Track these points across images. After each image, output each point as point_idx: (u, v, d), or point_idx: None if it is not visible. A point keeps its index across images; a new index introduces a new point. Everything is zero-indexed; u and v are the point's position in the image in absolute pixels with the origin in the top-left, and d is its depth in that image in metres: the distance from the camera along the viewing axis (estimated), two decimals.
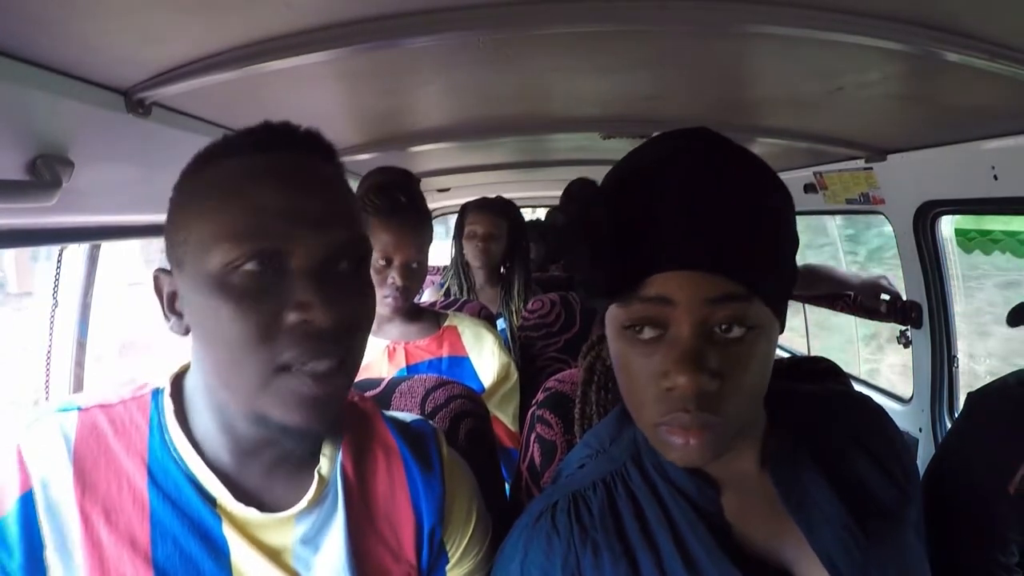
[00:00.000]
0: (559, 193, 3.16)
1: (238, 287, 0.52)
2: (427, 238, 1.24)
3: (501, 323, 1.93)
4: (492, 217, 2.03)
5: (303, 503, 0.60)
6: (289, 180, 0.55)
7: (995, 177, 1.30)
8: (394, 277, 1.19)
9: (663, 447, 0.55)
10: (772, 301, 0.53)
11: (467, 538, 0.70)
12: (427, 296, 2.21)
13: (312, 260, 0.54)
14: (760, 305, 0.52)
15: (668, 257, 0.51)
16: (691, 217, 0.51)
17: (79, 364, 1.30)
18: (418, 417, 0.74)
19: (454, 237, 2.12)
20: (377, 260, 1.19)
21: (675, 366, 0.51)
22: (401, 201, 1.19)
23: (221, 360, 0.54)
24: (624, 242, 0.52)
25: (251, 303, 0.52)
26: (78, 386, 1.30)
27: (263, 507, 0.59)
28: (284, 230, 0.53)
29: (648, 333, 0.53)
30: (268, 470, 0.61)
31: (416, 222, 1.21)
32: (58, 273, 1.26)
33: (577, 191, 2.22)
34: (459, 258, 2.09)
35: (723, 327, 0.51)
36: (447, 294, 2.10)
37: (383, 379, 0.93)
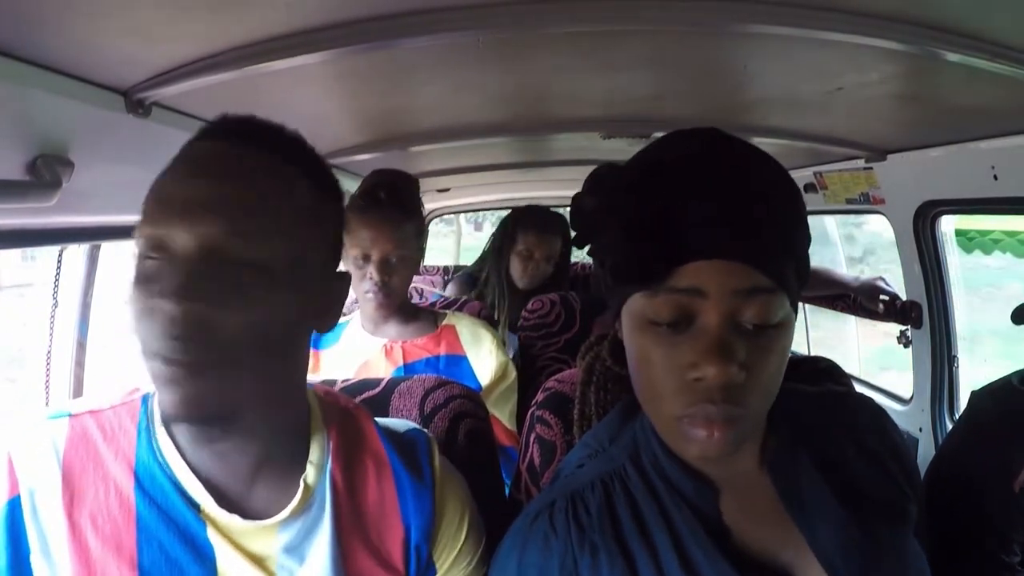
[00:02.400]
0: (559, 193, 3.15)
1: (139, 272, 0.53)
2: (408, 234, 1.23)
3: (515, 340, 1.83)
4: (551, 239, 1.98)
5: (286, 512, 0.60)
6: (190, 167, 0.55)
7: (995, 177, 1.30)
8: (372, 272, 1.20)
9: (683, 441, 0.55)
10: (792, 297, 0.54)
11: (457, 550, 0.69)
12: (451, 289, 2.16)
13: (186, 248, 0.52)
14: (784, 299, 0.53)
15: (703, 246, 0.51)
16: (726, 209, 0.51)
17: (79, 364, 1.30)
18: (413, 426, 0.73)
19: (495, 247, 2.05)
20: (357, 257, 1.20)
21: (704, 357, 0.51)
22: (379, 197, 1.19)
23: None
24: (658, 228, 0.52)
25: (140, 287, 0.52)
26: (78, 386, 1.30)
27: (246, 514, 0.58)
28: (164, 217, 0.52)
29: (673, 323, 0.53)
30: (247, 476, 0.60)
31: (394, 217, 1.21)
32: (58, 273, 1.26)
33: (607, 176, 2.18)
34: (502, 269, 2.02)
35: (749, 320, 0.52)
36: (480, 298, 2.03)
37: (382, 379, 0.93)
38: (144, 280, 0.52)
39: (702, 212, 0.51)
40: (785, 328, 0.54)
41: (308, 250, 0.57)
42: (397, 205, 1.22)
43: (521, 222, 2.01)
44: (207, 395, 0.52)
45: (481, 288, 2.10)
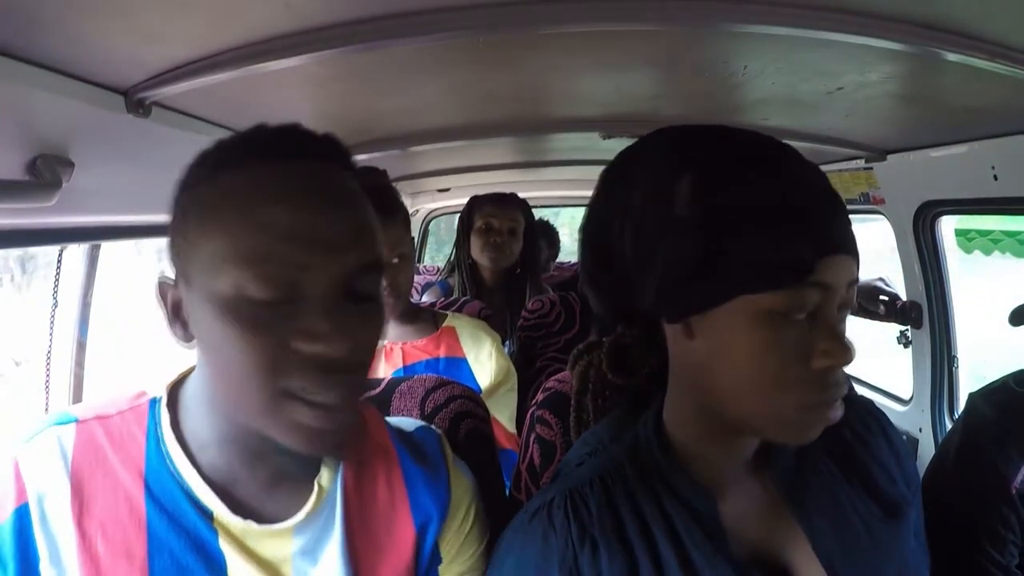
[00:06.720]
0: (559, 193, 3.14)
1: (248, 314, 0.49)
2: (400, 231, 1.22)
3: (507, 347, 1.76)
4: (510, 210, 1.90)
5: (302, 514, 0.59)
6: (303, 197, 0.51)
7: (995, 177, 1.30)
8: None
9: (804, 429, 0.55)
10: None
11: (462, 540, 0.69)
12: (427, 298, 2.18)
13: (327, 288, 0.51)
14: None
15: (832, 242, 0.53)
16: (831, 203, 0.54)
17: (79, 364, 1.30)
18: (421, 424, 0.74)
19: (459, 234, 1.99)
20: None
21: (834, 346, 0.53)
22: None
23: (227, 380, 0.53)
24: (802, 225, 0.53)
25: (261, 332, 0.49)
26: (78, 386, 1.30)
27: (261, 518, 0.58)
28: (297, 256, 0.50)
29: (801, 317, 0.54)
30: (268, 481, 0.60)
31: (382, 219, 1.20)
32: (58, 273, 1.26)
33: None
34: (464, 256, 1.95)
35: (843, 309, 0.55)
36: (449, 295, 2.01)
37: (382, 379, 0.93)
38: (264, 323, 0.50)
39: (819, 207, 0.53)
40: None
41: None
42: (380, 207, 1.21)
43: (477, 203, 1.95)
44: (348, 426, 0.54)
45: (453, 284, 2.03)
